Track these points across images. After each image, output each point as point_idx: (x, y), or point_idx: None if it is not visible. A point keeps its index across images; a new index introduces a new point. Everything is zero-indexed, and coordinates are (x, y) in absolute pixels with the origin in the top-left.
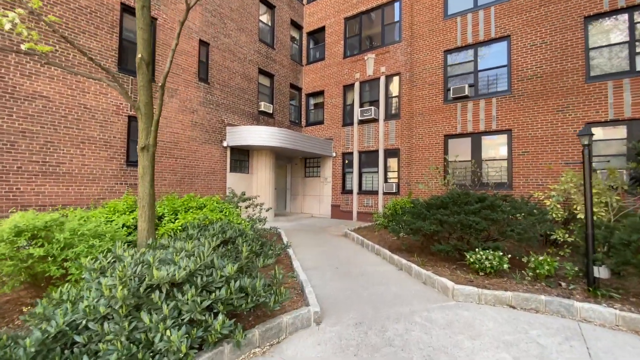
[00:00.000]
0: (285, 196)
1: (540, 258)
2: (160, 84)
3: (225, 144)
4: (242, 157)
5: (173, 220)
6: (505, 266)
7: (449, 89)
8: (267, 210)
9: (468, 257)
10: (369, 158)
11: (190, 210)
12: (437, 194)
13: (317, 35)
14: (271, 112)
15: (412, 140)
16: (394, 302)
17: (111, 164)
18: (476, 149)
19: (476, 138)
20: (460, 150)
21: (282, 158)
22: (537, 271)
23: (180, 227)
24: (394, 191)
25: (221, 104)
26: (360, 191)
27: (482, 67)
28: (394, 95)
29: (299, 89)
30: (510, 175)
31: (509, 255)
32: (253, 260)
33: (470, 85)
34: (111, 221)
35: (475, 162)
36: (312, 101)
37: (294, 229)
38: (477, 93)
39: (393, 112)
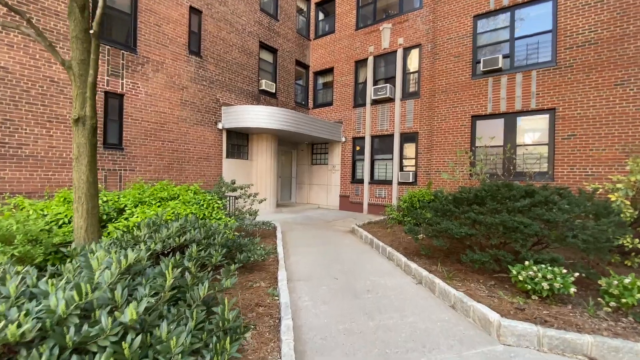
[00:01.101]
0: (290, 185)
1: (627, 281)
2: (93, 31)
3: (220, 126)
4: (240, 141)
5: (133, 214)
6: (572, 290)
7: (478, 62)
8: (260, 202)
9: (514, 272)
10: (382, 143)
11: (161, 202)
12: (462, 185)
13: (327, 5)
14: (274, 91)
15: (433, 122)
16: (411, 346)
17: None
18: (510, 132)
19: (510, 119)
20: (491, 133)
21: (286, 143)
22: (623, 300)
23: (135, 225)
24: (411, 181)
25: (216, 80)
26: (372, 181)
27: (520, 34)
28: (412, 70)
29: (306, 67)
30: (552, 163)
31: (575, 274)
32: (202, 281)
33: (504, 57)
34: (45, 215)
35: (510, 148)
36: (320, 80)
37: (295, 223)
38: (513, 65)
39: (411, 90)
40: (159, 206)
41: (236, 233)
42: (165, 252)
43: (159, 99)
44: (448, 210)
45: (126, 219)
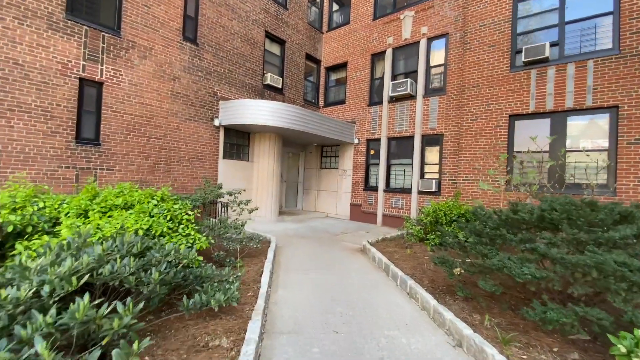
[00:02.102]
0: (296, 191)
1: None
2: None
3: (217, 122)
4: (240, 140)
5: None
6: None
7: (518, 51)
8: (250, 212)
9: (621, 349)
10: (400, 146)
11: (111, 210)
12: (504, 198)
13: None
14: (280, 86)
15: (461, 123)
16: None
17: (52, 141)
18: (558, 135)
19: (559, 119)
20: (533, 135)
21: (293, 145)
22: None
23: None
24: (433, 190)
25: (213, 71)
26: (388, 188)
27: (572, 17)
28: (437, 64)
29: (317, 62)
30: (613, 173)
31: None
32: None
33: (552, 44)
34: None
35: (563, 152)
36: (332, 76)
37: (296, 236)
38: (563, 54)
39: (435, 85)
40: (110, 216)
41: (218, 252)
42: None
43: (146, 90)
44: (498, 237)
45: (55, 234)
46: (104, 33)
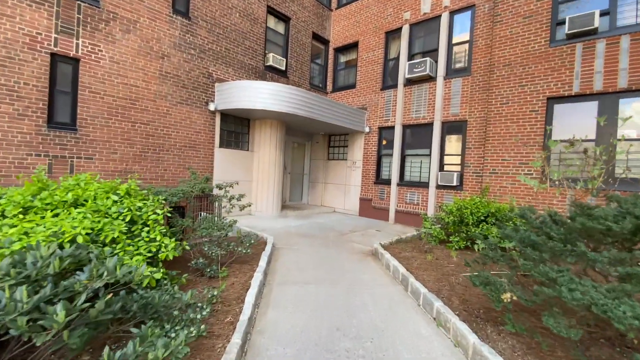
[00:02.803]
0: (301, 183)
1: None
2: None
3: (212, 107)
4: (238, 127)
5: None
6: None
7: (561, 22)
8: (241, 210)
9: None
10: (417, 135)
11: (58, 208)
12: (539, 196)
13: None
14: (284, 68)
15: (489, 108)
16: None
17: (20, 125)
18: (607, 120)
19: (609, 102)
20: (575, 122)
21: (298, 133)
22: None
23: None
24: (454, 184)
25: (208, 49)
26: (402, 182)
27: None
28: (461, 40)
29: (325, 42)
30: None
31: None
32: None
33: (603, 13)
34: None
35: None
36: (341, 58)
37: (298, 234)
38: (615, 25)
39: (458, 65)
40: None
41: (197, 259)
42: None
43: (130, 68)
44: (570, 253)
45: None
46: (79, 2)
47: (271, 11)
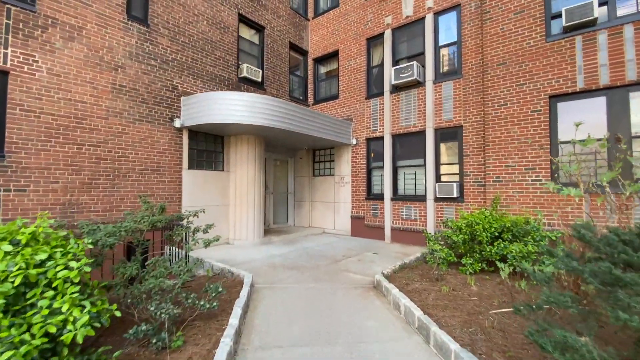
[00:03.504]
0: (286, 204)
1: None
2: None
3: (178, 123)
4: (211, 145)
5: None
6: None
7: (556, 15)
8: (206, 246)
9: None
10: (409, 144)
11: None
12: (559, 203)
13: None
14: (260, 80)
15: (485, 111)
16: None
17: None
18: (618, 116)
19: (618, 96)
20: (582, 120)
21: (279, 149)
22: None
23: None
24: (455, 195)
25: (172, 60)
26: (396, 196)
27: None
28: (448, 42)
29: (304, 53)
30: None
31: None
32: None
33: (601, 3)
34: None
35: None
36: (322, 69)
37: (284, 266)
38: (616, 14)
39: (448, 68)
40: None
41: (139, 325)
42: None
43: (74, 82)
44: None
45: None
46: (9, 5)
47: (243, 20)
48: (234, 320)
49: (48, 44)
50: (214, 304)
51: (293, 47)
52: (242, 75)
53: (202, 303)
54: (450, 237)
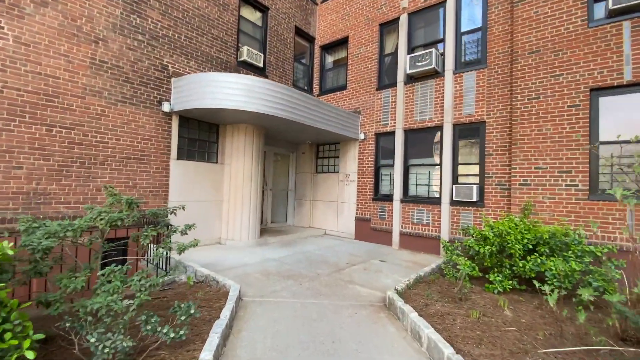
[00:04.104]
0: (286, 201)
1: None
2: None
3: (167, 107)
4: (204, 134)
5: None
6: None
7: None
8: (181, 252)
9: None
10: (423, 141)
11: None
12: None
13: None
14: (261, 65)
15: (513, 104)
16: None
17: None
18: None
19: None
20: (631, 117)
21: (280, 142)
22: None
23: None
24: (474, 199)
25: (162, 36)
26: (407, 197)
27: None
28: (472, 28)
29: (311, 40)
30: None
31: None
32: None
33: None
34: None
35: None
36: (329, 58)
37: (278, 275)
38: None
39: (471, 57)
40: None
41: None
42: None
43: (46, 54)
44: None
45: None
46: None
47: None
48: (207, 356)
49: (16, 7)
50: (181, 332)
51: (299, 32)
52: (241, 59)
53: (165, 331)
54: (472, 248)
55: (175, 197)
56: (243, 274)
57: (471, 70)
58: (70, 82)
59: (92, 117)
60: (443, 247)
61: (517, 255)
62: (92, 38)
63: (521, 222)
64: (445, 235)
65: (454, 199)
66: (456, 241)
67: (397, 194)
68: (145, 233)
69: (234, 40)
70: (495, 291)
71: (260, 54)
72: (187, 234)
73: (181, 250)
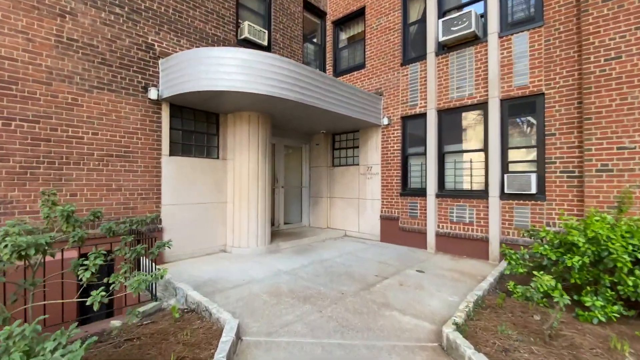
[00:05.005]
0: (300, 199)
1: None
2: None
3: (154, 93)
4: (201, 125)
5: None
6: None
7: None
8: (146, 287)
9: None
10: (462, 122)
11: None
12: None
13: None
14: (265, 43)
15: (584, 68)
16: None
17: None
18: None
19: None
20: None
21: (290, 133)
22: None
23: None
24: (532, 191)
25: (146, 9)
26: (443, 192)
27: None
28: None
29: (322, 15)
30: None
31: None
32: None
33: None
34: None
35: None
36: (343, 35)
37: (291, 295)
38: None
39: (520, 14)
40: None
41: None
42: None
43: None
44: None
45: None
46: None
47: None
48: None
49: None
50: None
51: (308, 6)
52: (242, 37)
53: None
54: (547, 257)
55: (170, 199)
56: (248, 295)
57: (522, 31)
58: (31, 65)
59: (61, 107)
60: (504, 255)
61: (624, 269)
62: (56, 11)
63: (626, 224)
64: (494, 236)
65: (505, 191)
66: (522, 247)
67: (431, 187)
68: (94, 259)
69: (232, 14)
70: (595, 320)
71: (264, 30)
72: (156, 255)
73: (145, 284)
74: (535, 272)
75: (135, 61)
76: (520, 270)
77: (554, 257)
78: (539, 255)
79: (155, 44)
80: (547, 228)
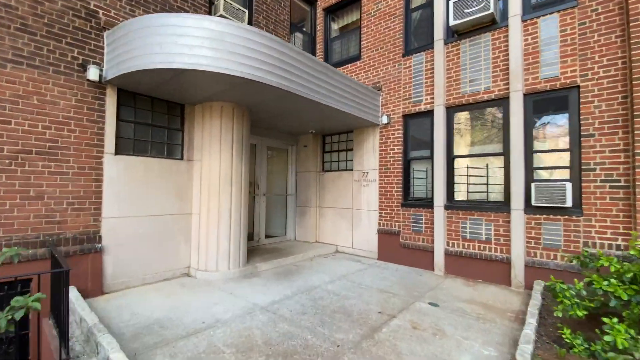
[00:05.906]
0: (284, 209)
1: None
2: None
3: (95, 73)
4: (161, 117)
5: None
6: None
7: None
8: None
9: None
10: (476, 122)
11: None
12: None
13: None
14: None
15: (634, 55)
16: None
17: None
18: None
19: None
20: None
21: (274, 132)
22: None
23: None
24: (567, 204)
25: None
26: (453, 202)
27: None
28: None
29: (312, 1)
30: None
31: None
32: None
33: None
34: None
35: None
36: (335, 25)
37: (266, 349)
38: None
39: None
40: None
41: None
42: None
43: None
44: None
45: None
46: None
47: None
48: None
49: None
50: None
51: None
52: (217, 14)
53: None
54: (613, 294)
55: (114, 210)
56: (206, 349)
57: (550, 13)
58: None
59: None
60: (553, 290)
61: None
62: None
63: None
64: (518, 256)
65: (532, 203)
66: (552, 276)
67: (439, 197)
68: None
69: None
70: None
71: (244, 9)
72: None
73: None
74: (604, 319)
75: (70, 31)
76: (579, 313)
77: (624, 297)
78: (601, 291)
79: (100, 11)
80: (585, 249)
